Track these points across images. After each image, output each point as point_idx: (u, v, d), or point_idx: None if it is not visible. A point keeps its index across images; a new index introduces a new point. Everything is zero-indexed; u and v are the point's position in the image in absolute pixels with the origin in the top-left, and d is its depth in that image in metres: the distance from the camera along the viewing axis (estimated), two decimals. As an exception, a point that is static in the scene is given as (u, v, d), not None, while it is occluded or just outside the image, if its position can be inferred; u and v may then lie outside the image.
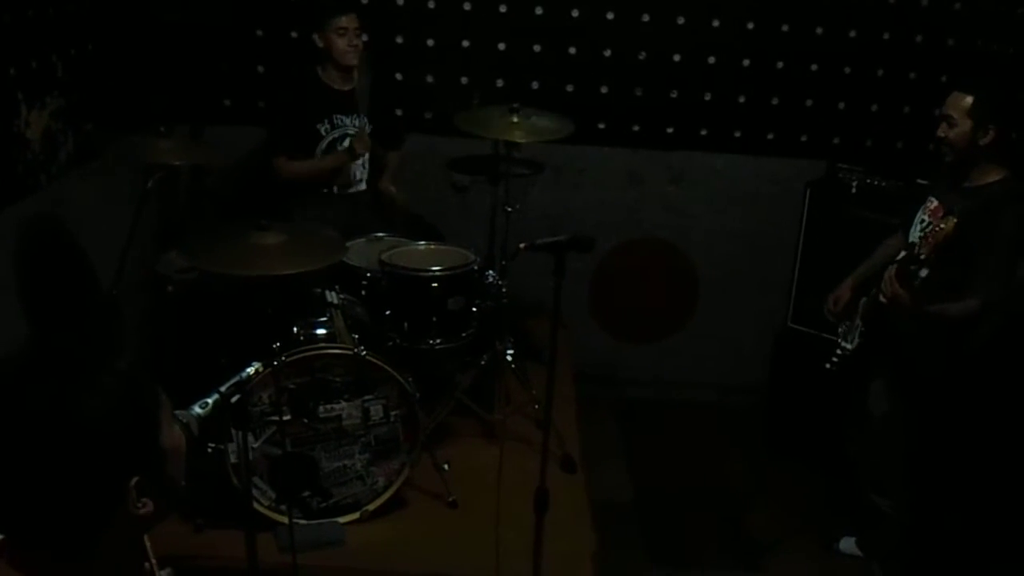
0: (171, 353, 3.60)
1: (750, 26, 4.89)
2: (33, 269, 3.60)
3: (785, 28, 4.90)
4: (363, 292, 3.74)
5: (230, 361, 2.45)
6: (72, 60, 3.92)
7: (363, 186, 4.50)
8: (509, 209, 4.00)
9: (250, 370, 2.23)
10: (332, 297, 3.55)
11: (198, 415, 2.02)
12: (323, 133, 4.34)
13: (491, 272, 3.88)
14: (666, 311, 5.40)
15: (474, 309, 3.74)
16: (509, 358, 3.98)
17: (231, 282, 3.24)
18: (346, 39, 4.23)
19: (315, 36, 4.30)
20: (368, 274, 3.73)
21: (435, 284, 3.63)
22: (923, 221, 3.52)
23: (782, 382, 4.84)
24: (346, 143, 4.31)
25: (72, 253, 3.75)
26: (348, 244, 3.65)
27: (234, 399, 2.16)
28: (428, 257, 3.78)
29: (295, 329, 3.36)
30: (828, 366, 3.77)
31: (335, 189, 4.41)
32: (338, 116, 4.35)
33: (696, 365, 5.41)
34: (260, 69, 4.90)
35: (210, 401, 2.08)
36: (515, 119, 3.91)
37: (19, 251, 3.54)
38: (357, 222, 4.14)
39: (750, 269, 5.22)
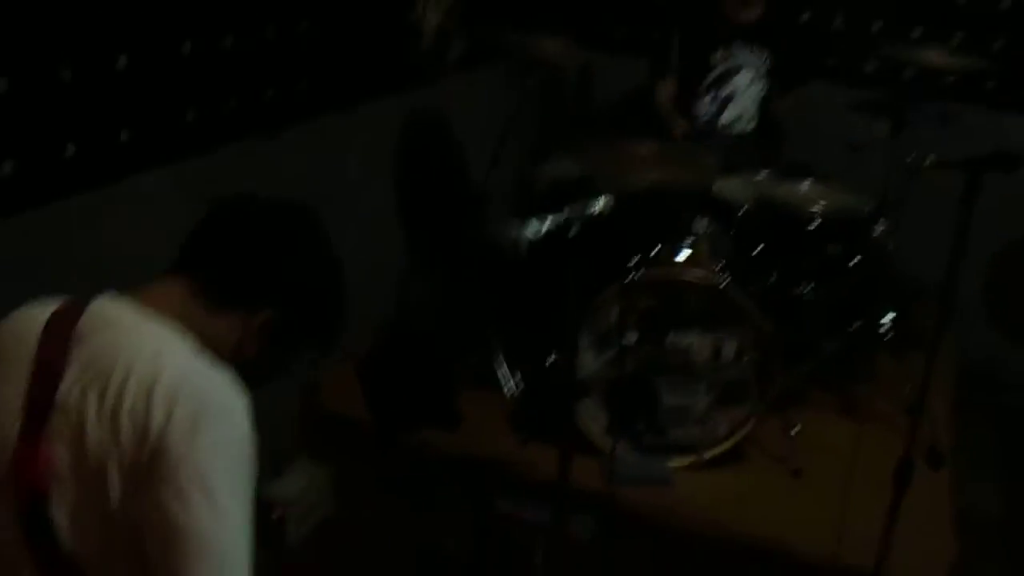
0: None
1: None
2: (411, 159, 3.65)
3: None
4: (733, 230, 3.45)
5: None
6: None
7: (751, 125, 4.21)
8: (910, 160, 3.54)
9: (599, 203, 1.99)
10: (700, 226, 3.31)
11: (533, 233, 1.84)
12: (712, 64, 4.10)
13: (880, 225, 3.46)
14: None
15: (854, 264, 3.34)
16: (884, 329, 3.54)
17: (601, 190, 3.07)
18: None
19: None
20: (741, 209, 3.44)
21: (815, 225, 3.27)
22: None
23: None
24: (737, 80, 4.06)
25: (449, 147, 3.77)
26: (726, 180, 3.41)
27: (573, 230, 1.94)
28: (812, 197, 3.43)
29: (655, 250, 3.14)
30: None
31: (719, 126, 4.16)
32: (732, 47, 4.09)
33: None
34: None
35: (549, 218, 1.89)
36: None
37: (400, 140, 3.60)
38: (738, 160, 3.85)
39: None
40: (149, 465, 1.25)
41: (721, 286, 2.99)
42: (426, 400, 3.34)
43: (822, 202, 3.31)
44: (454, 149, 3.82)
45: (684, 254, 3.15)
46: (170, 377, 1.30)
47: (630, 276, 2.94)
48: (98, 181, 2.39)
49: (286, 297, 1.49)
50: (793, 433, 3.29)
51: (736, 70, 4.08)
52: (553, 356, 3.08)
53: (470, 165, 3.89)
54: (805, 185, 3.56)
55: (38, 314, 1.39)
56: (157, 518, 1.24)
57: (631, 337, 3.04)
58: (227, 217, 1.51)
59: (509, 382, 3.39)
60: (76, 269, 2.14)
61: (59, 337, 1.34)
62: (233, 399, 1.34)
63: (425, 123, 3.73)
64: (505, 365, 3.42)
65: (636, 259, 3.03)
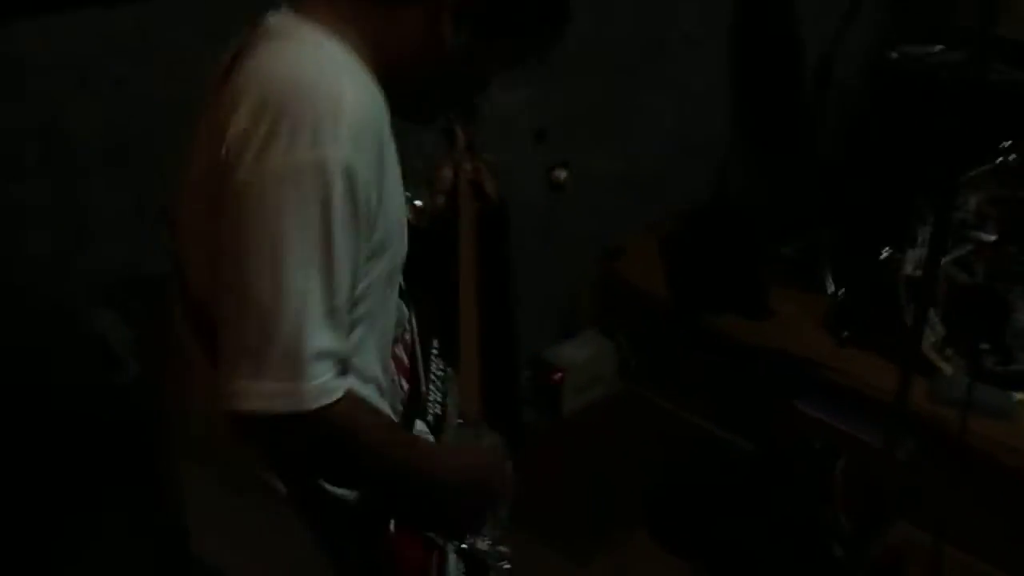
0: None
1: None
2: (749, 21, 3.31)
3: None
4: None
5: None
6: None
7: None
8: None
9: None
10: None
11: None
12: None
13: None
14: None
15: None
16: None
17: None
18: None
19: None
20: None
21: None
22: None
23: None
24: None
25: (791, 16, 3.37)
26: None
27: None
28: None
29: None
30: None
31: None
32: None
33: None
34: None
35: None
36: None
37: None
38: None
39: None
40: (222, 184, 1.03)
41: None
42: (735, 285, 3.01)
43: None
44: (795, 19, 3.40)
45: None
46: (276, 80, 1.04)
47: (1000, 158, 2.47)
48: None
49: None
50: None
51: None
52: (887, 249, 2.66)
53: (807, 42, 3.46)
54: None
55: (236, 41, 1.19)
56: (218, 249, 1.05)
57: (989, 234, 2.56)
58: None
59: (830, 279, 3.00)
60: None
61: (237, 56, 1.13)
62: (353, 114, 1.03)
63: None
64: (829, 261, 3.03)
65: (1009, 143, 2.54)
